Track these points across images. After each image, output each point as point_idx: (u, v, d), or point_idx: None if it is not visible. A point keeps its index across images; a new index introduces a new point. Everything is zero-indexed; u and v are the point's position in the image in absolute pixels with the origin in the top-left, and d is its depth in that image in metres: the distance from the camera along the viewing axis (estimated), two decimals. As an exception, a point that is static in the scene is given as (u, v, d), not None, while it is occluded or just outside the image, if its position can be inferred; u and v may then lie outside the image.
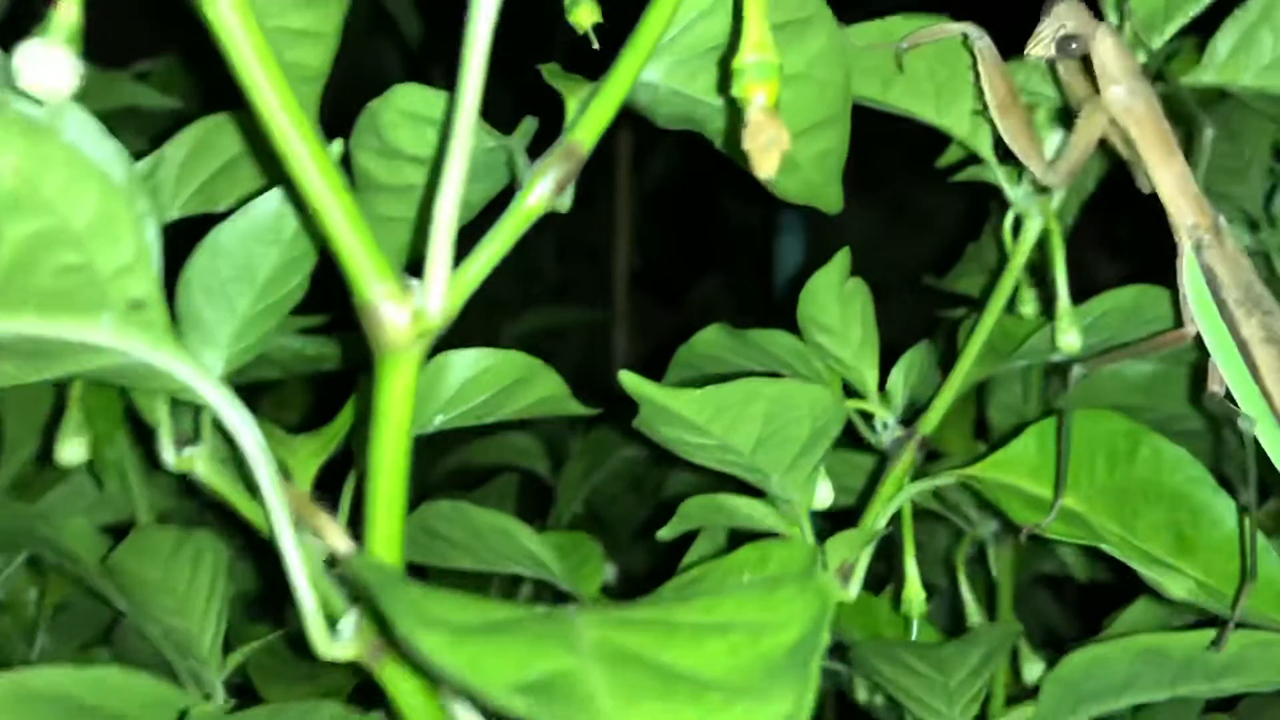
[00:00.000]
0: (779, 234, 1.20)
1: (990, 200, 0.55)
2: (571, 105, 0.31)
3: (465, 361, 0.34)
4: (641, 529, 0.72)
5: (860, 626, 0.44)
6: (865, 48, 0.39)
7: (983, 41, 0.39)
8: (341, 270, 0.25)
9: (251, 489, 0.32)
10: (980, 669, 0.39)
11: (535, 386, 0.35)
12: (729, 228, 1.37)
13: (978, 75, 0.39)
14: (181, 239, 0.33)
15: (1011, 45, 0.39)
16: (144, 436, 0.44)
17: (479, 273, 0.26)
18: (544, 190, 0.26)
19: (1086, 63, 0.39)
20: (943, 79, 0.40)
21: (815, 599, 0.23)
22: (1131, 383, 0.50)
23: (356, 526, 0.29)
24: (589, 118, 0.27)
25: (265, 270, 0.32)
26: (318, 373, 0.50)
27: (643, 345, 1.20)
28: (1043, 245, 0.43)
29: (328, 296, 0.33)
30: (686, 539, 0.42)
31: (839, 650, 0.43)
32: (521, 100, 0.35)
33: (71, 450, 0.40)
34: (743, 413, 0.31)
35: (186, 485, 0.35)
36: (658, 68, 0.34)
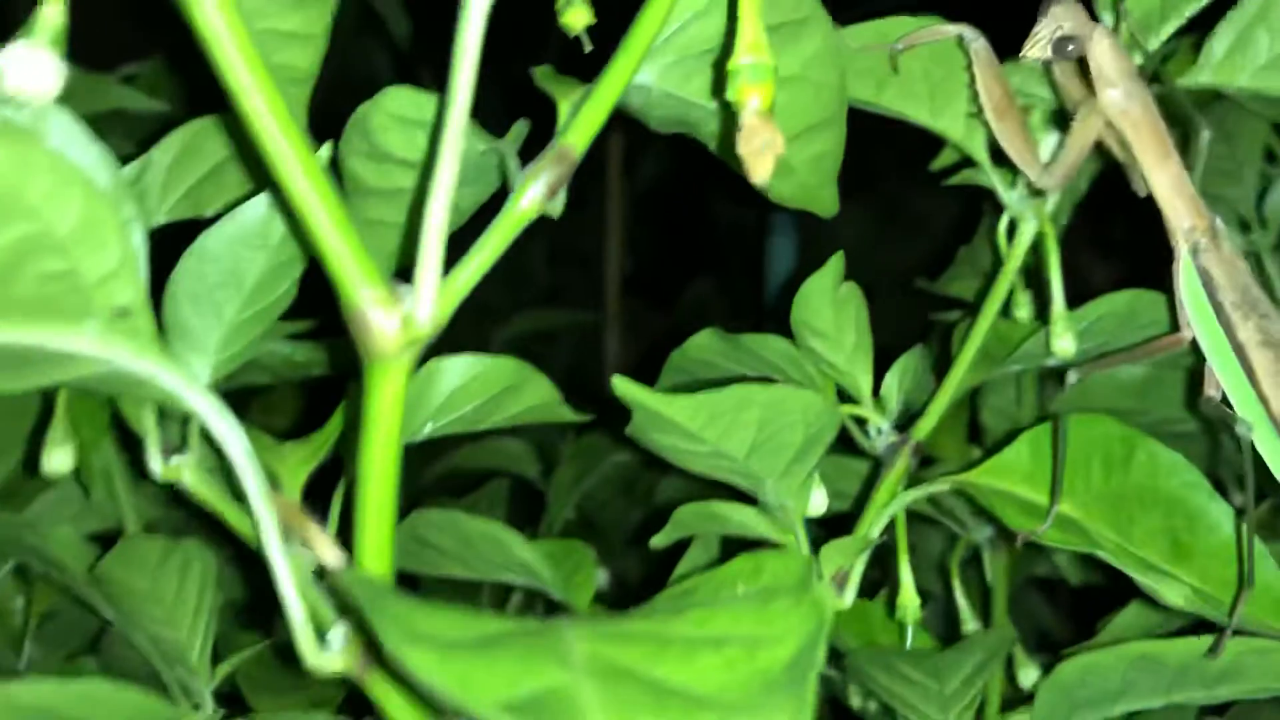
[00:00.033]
0: (771, 236, 1.20)
1: (983, 203, 0.55)
2: (564, 108, 0.31)
3: (455, 368, 0.33)
4: (634, 533, 0.71)
5: (855, 633, 0.44)
6: (860, 49, 0.39)
7: (978, 43, 0.38)
8: (329, 276, 0.24)
9: (240, 498, 0.31)
10: (975, 676, 0.39)
11: (526, 393, 0.35)
12: (721, 230, 1.37)
13: (973, 77, 0.39)
14: (169, 244, 0.33)
15: (1007, 47, 0.39)
16: (131, 444, 0.43)
17: (470, 279, 0.25)
18: (536, 195, 0.26)
19: (1082, 65, 0.39)
20: (937, 81, 0.40)
21: (812, 612, 0.22)
22: (1126, 385, 0.50)
23: (346, 535, 0.29)
24: (581, 121, 0.27)
25: (253, 276, 0.31)
26: (308, 377, 0.49)
27: (634, 348, 1.20)
28: (1037, 248, 0.42)
29: (317, 301, 0.32)
30: (680, 543, 0.42)
31: (833, 656, 0.43)
32: (514, 102, 0.35)
33: (58, 459, 0.39)
34: (736, 419, 0.31)
35: (175, 493, 0.34)
36: (651, 70, 0.34)
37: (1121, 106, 0.38)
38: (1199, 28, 0.41)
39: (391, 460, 0.25)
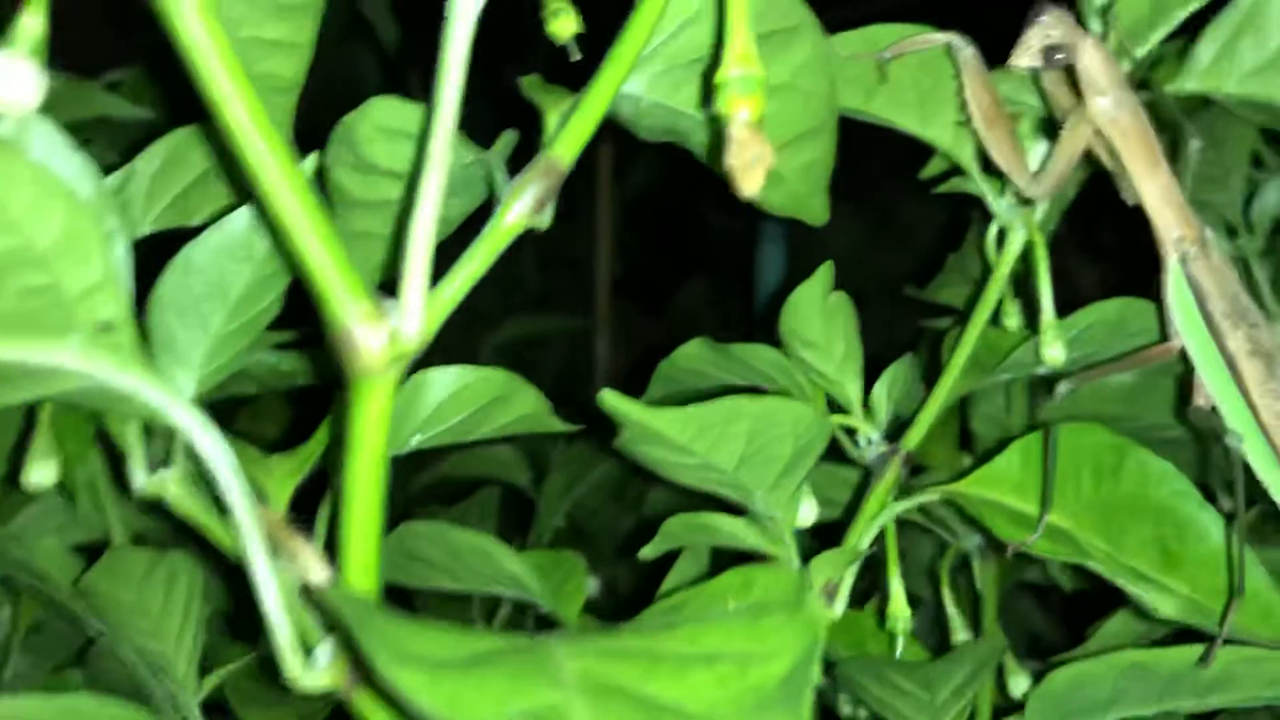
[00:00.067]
0: (761, 240, 1.20)
1: (972, 210, 0.55)
2: (552, 119, 0.31)
3: (443, 380, 0.33)
4: (625, 541, 0.71)
5: (845, 642, 0.44)
6: (849, 57, 0.39)
7: (967, 52, 0.38)
8: (313, 292, 0.24)
9: (226, 511, 0.31)
10: (966, 686, 0.39)
11: (514, 404, 0.35)
12: (711, 233, 1.37)
13: (961, 86, 0.39)
14: (155, 254, 0.33)
15: (996, 55, 0.39)
16: (117, 454, 0.43)
17: (457, 293, 0.25)
18: (523, 208, 0.26)
19: (1071, 73, 0.38)
20: (926, 89, 0.40)
21: (805, 628, 0.22)
22: (1115, 392, 0.50)
23: (334, 547, 0.28)
24: (569, 132, 0.27)
25: (238, 288, 0.31)
26: (296, 386, 0.49)
27: (625, 353, 1.20)
28: (1026, 256, 0.42)
29: (304, 308, 0.32)
30: (672, 551, 0.41)
31: (823, 665, 0.43)
32: (503, 110, 0.35)
33: (40, 473, 0.39)
34: (725, 431, 0.30)
35: (162, 504, 0.34)
36: (640, 80, 0.33)
37: (1110, 115, 0.38)
38: (1186, 32, 0.41)
39: (377, 477, 0.25)
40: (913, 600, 0.44)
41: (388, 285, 0.26)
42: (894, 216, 1.10)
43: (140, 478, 0.32)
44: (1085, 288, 0.49)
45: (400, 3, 1.02)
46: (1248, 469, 0.39)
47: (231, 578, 0.51)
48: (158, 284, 0.31)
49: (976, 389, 0.46)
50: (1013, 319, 0.45)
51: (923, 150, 0.44)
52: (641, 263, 1.34)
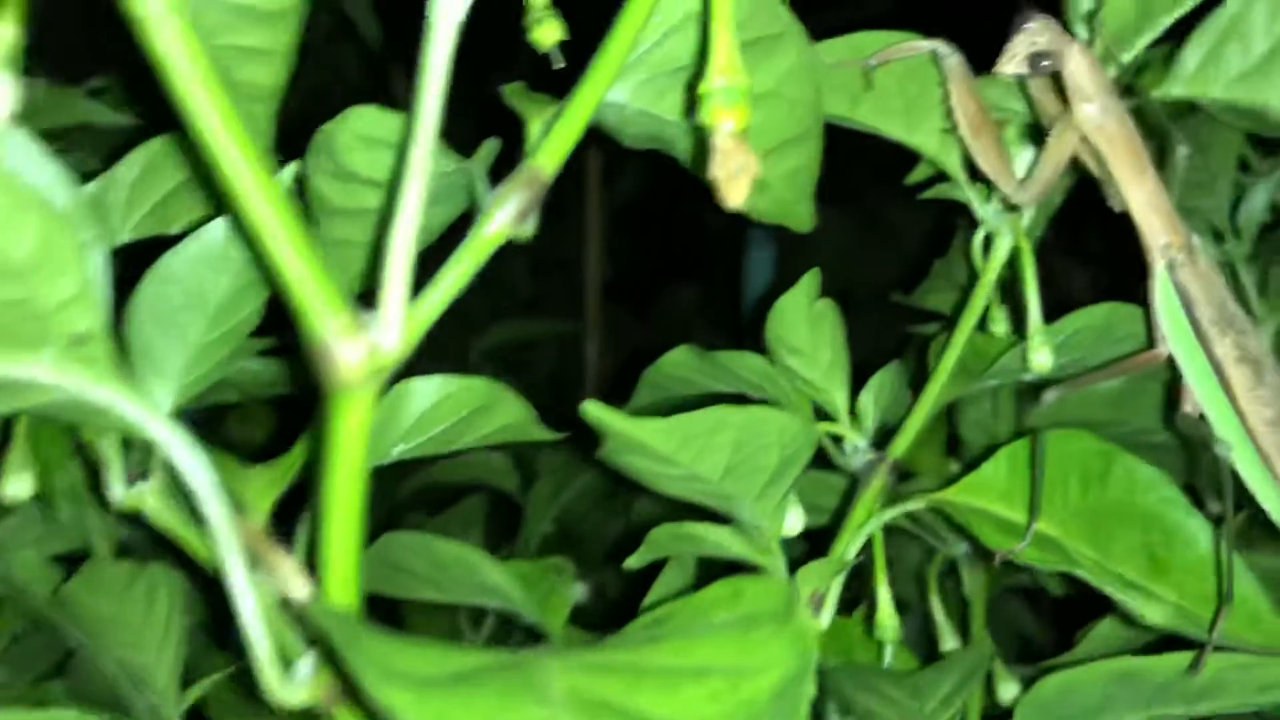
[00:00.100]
0: (750, 242, 1.20)
1: (958, 216, 0.55)
2: (535, 127, 0.30)
3: (425, 390, 0.33)
4: (615, 545, 0.71)
5: (832, 650, 0.43)
6: (834, 64, 0.38)
7: (952, 59, 0.38)
8: (290, 304, 0.24)
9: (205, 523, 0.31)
10: (954, 694, 0.39)
11: (498, 413, 0.34)
12: (701, 235, 1.37)
13: (947, 93, 0.39)
14: (138, 261, 0.32)
15: (982, 61, 0.39)
16: (96, 464, 0.43)
17: (438, 305, 0.25)
18: (504, 218, 0.25)
19: (1058, 80, 0.38)
20: (912, 96, 0.40)
21: (797, 641, 0.22)
22: (1102, 397, 0.50)
23: (316, 557, 0.28)
24: (552, 142, 0.26)
25: (217, 297, 0.30)
26: (281, 394, 0.48)
27: (616, 356, 1.20)
28: (1013, 262, 0.42)
29: (286, 315, 0.32)
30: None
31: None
32: (486, 117, 0.34)
33: (17, 485, 0.38)
34: (710, 442, 0.30)
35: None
36: (624, 87, 0.33)
37: (1097, 122, 0.38)
38: (1172, 37, 0.41)
39: (356, 491, 0.24)
40: (901, 605, 0.43)
41: (370, 294, 0.25)
42: (883, 219, 1.10)
43: (118, 490, 0.32)
44: (1076, 291, 0.49)
45: (384, 2, 1.02)
46: (1236, 476, 0.39)
47: (214, 587, 0.50)
48: (135, 294, 0.30)
49: (964, 395, 0.46)
50: (1000, 325, 0.45)
51: (911, 153, 0.44)
52: (631, 266, 1.34)
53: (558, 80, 0.30)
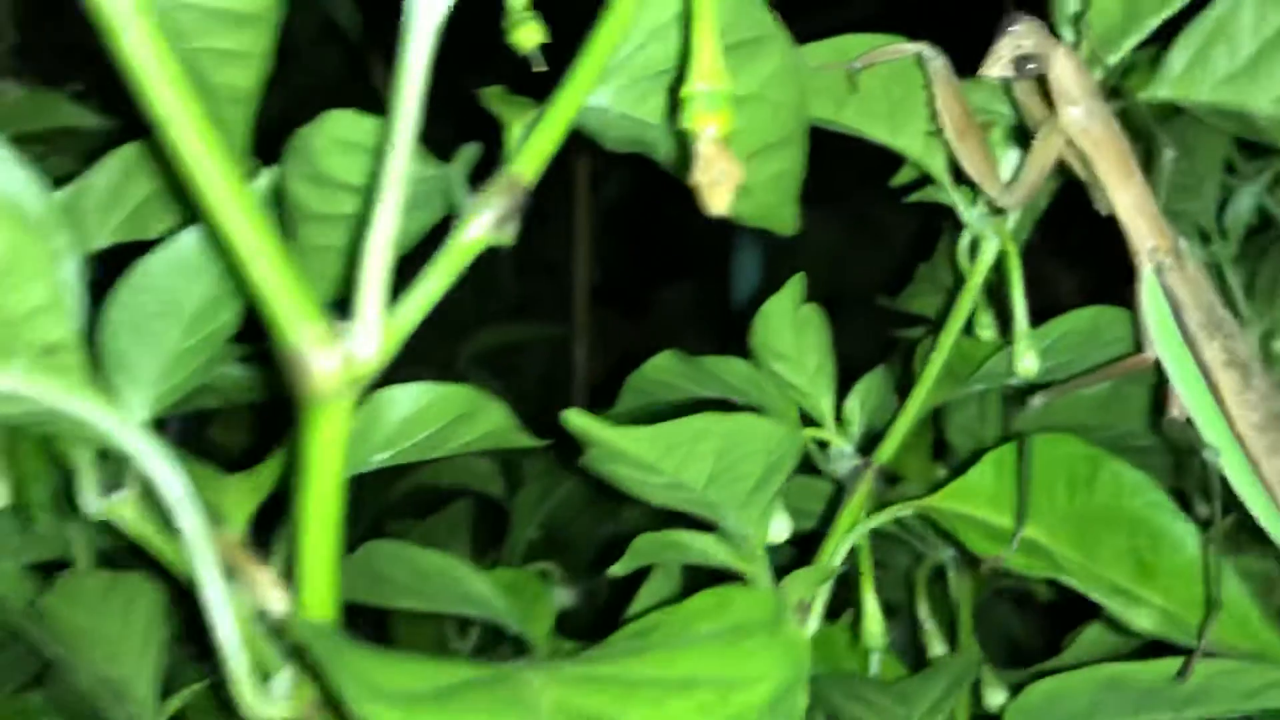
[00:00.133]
0: (738, 243, 1.19)
1: (943, 219, 0.54)
2: (515, 132, 0.30)
3: (405, 398, 0.32)
4: (603, 550, 0.71)
5: (818, 658, 0.43)
6: (819, 67, 0.38)
7: (937, 62, 0.38)
8: (263, 313, 0.23)
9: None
10: (942, 702, 0.39)
11: (480, 421, 0.34)
12: (690, 237, 1.37)
13: (932, 96, 0.38)
14: (116, 268, 0.32)
15: (968, 64, 0.39)
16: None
17: (416, 313, 0.24)
18: (482, 225, 0.25)
19: (1044, 83, 0.38)
20: (897, 99, 0.39)
21: (788, 651, 0.22)
22: (1088, 400, 0.50)
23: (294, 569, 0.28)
24: (532, 147, 0.26)
25: (192, 304, 0.30)
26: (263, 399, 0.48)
27: (604, 359, 1.19)
28: (999, 266, 0.42)
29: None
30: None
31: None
32: (466, 121, 0.34)
33: (-9, 496, 0.38)
34: (693, 450, 0.30)
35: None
36: (606, 91, 0.33)
37: (1083, 125, 0.38)
38: (1158, 39, 0.41)
39: (333, 502, 0.24)
40: (888, 609, 0.43)
41: (347, 301, 0.25)
42: (871, 220, 1.10)
43: (92, 501, 0.31)
44: (1062, 295, 0.48)
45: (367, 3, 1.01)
46: (1224, 480, 0.39)
47: (192, 597, 0.50)
48: (108, 301, 0.30)
49: (950, 399, 0.46)
50: (986, 329, 0.44)
51: (898, 155, 0.43)
52: (620, 269, 1.34)
53: (539, 83, 0.30)
